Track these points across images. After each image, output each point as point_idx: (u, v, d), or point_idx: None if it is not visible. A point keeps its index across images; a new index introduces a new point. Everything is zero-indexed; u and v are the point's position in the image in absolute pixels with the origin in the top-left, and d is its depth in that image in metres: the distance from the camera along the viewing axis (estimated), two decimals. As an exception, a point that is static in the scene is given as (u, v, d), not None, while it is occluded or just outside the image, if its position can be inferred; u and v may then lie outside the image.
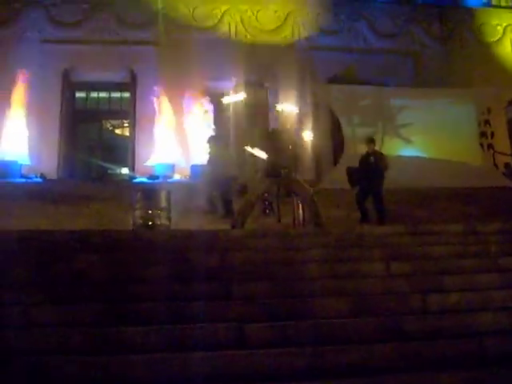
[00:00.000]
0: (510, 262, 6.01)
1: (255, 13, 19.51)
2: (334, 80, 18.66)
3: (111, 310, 4.33)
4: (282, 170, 8.25)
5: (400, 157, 15.27)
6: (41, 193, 11.81)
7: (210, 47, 18.21)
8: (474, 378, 3.63)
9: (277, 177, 8.30)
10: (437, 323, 4.38)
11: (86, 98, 19.86)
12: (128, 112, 18.72)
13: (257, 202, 8.48)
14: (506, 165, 18.29)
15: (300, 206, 8.84)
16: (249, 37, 19.15)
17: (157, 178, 15.53)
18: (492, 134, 19.47)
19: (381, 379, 3.56)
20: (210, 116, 17.12)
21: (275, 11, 19.60)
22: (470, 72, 19.55)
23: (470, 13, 21.72)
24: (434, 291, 5.04)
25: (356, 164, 10.48)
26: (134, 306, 4.42)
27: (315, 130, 18.16)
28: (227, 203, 10.79)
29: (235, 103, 16.82)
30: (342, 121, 17.09)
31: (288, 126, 8.99)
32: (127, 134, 19.59)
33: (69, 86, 18.17)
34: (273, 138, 8.73)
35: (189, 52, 17.99)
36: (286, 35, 19.59)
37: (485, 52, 20.93)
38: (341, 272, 5.43)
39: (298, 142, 8.91)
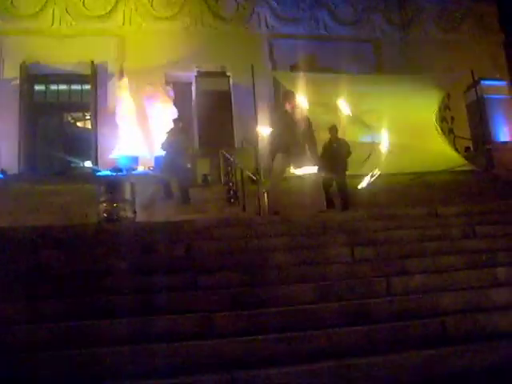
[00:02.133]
0: (470, 243, 6.16)
1: (217, 1, 19.42)
2: (295, 68, 18.68)
3: (76, 304, 4.30)
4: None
5: (362, 143, 15.39)
6: (1, 188, 11.59)
7: (171, 37, 18.08)
8: (437, 356, 3.72)
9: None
10: (401, 305, 4.47)
11: (46, 91, 19.48)
12: (89, 104, 18.45)
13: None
14: (467, 149, 18.63)
15: (265, 194, 8.86)
16: (210, 26, 19.05)
17: (120, 170, 15.34)
18: (452, 119, 19.81)
19: (348, 362, 3.62)
20: (172, 106, 16.98)
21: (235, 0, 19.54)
22: (430, 58, 19.81)
23: (429, 0, 21.99)
24: (397, 274, 5.14)
25: (319, 151, 10.53)
26: (99, 300, 4.39)
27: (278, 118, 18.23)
28: (184, 191, 10.87)
29: (197, 93, 16.73)
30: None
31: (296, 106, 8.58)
32: (89, 126, 19.31)
33: (27, 78, 17.78)
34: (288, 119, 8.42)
35: (149, 42, 17.82)
36: (248, 24, 19.54)
37: (444, 39, 21.23)
38: (306, 259, 5.48)
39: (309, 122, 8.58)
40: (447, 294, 4.72)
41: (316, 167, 8.14)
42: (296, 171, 8.26)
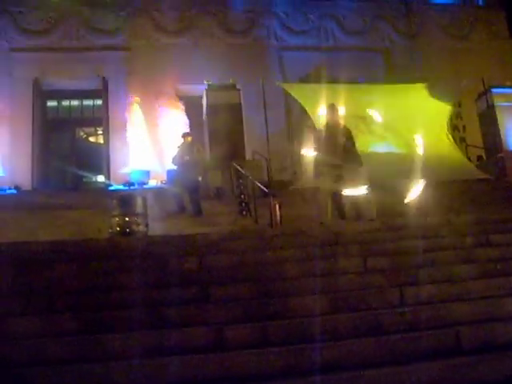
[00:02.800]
0: (484, 252, 6.11)
1: (226, 14, 19.58)
2: (305, 79, 18.74)
3: (89, 318, 4.32)
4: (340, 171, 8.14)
5: (374, 153, 15.36)
6: (15, 204, 11.68)
7: (181, 50, 18.22)
8: (450, 367, 3.69)
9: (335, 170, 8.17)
10: (414, 316, 4.44)
11: (58, 107, 19.69)
12: (101, 119, 18.60)
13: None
14: (479, 157, 18.54)
15: (277, 206, 8.85)
16: (219, 39, 19.19)
17: (133, 184, 15.45)
18: (464, 128, 19.76)
19: (361, 373, 3.60)
20: (184, 120, 17.08)
21: (244, 12, 19.69)
22: (440, 67, 19.81)
23: (437, 9, 22.02)
24: (410, 284, 5.11)
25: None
26: (112, 314, 4.41)
27: (289, 129, 18.29)
28: (196, 203, 10.91)
29: (208, 106, 16.81)
30: (315, 120, 17.15)
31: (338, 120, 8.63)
32: (101, 141, 19.45)
33: (40, 94, 17.98)
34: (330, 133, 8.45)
35: (159, 56, 17.98)
36: (257, 36, 19.66)
37: (453, 47, 21.22)
38: (319, 270, 5.46)
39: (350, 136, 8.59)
40: (461, 303, 4.69)
41: (365, 186, 8.16)
42: (348, 191, 8.25)
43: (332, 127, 8.40)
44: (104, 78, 18.09)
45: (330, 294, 4.82)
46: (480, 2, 22.87)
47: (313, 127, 8.64)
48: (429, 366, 3.71)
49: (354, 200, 8.10)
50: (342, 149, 8.24)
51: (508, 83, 19.46)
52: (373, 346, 3.97)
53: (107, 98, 18.09)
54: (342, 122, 8.63)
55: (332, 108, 8.64)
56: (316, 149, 8.60)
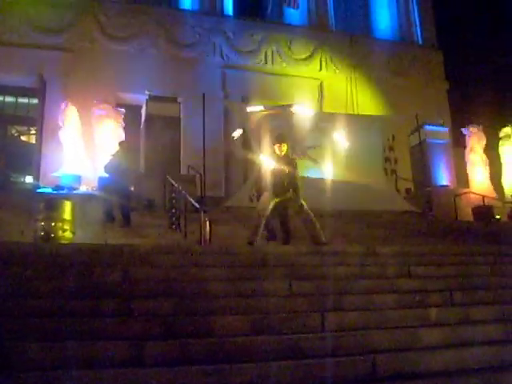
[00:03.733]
0: (405, 283, 6.29)
1: (174, 27, 19.55)
2: (246, 99, 18.93)
3: (7, 325, 4.14)
4: (288, 192, 8.39)
5: (307, 178, 15.60)
6: None
7: (125, 59, 18.04)
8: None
9: (281, 196, 8.38)
10: (335, 341, 4.50)
11: (-9, 102, 19.05)
12: (35, 119, 18.10)
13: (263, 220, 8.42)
14: (408, 190, 19.16)
15: (207, 223, 8.83)
16: (165, 51, 19.11)
17: (62, 188, 15.04)
18: (395, 160, 20.40)
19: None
20: (121, 128, 16.83)
21: (192, 27, 19.72)
22: (377, 100, 20.46)
23: (379, 43, 22.77)
24: (333, 310, 5.18)
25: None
26: (31, 322, 4.25)
27: (226, 147, 18.34)
28: (125, 213, 10.76)
29: (147, 117, 16.67)
30: (253, 139, 17.29)
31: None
32: (34, 141, 18.91)
33: (-28, 88, 17.36)
34: (279, 154, 8.70)
35: (102, 61, 17.72)
36: (202, 52, 19.72)
37: (391, 82, 21.95)
38: (244, 290, 5.46)
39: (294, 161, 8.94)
40: (380, 332, 4.79)
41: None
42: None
43: (279, 156, 8.63)
44: (42, 77, 17.64)
45: (252, 316, 4.82)
46: (420, 41, 23.80)
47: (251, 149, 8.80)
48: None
49: (305, 221, 8.29)
50: (288, 177, 8.47)
51: (440, 121, 20.33)
52: (292, 369, 3.99)
53: (44, 98, 17.64)
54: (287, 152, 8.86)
55: (281, 138, 8.86)
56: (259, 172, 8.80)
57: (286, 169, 8.54)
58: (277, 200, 8.41)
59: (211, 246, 7.78)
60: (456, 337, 4.89)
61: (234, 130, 17.40)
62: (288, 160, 8.76)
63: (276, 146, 8.76)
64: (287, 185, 8.48)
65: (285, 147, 8.77)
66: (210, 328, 4.53)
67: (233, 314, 4.84)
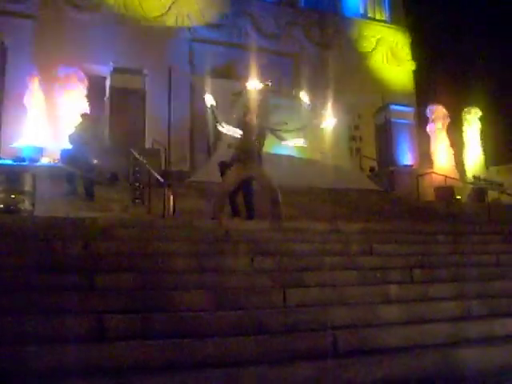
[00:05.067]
0: (367, 260, 6.36)
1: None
2: (213, 73, 18.70)
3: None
4: (252, 163, 8.35)
5: (273, 154, 15.60)
6: None
7: (90, 28, 17.59)
8: (325, 368, 3.80)
9: (246, 165, 8.33)
10: (296, 317, 4.53)
11: None
12: (-6, 88, 17.58)
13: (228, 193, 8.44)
14: (372, 169, 19.35)
15: (171, 197, 8.77)
16: (131, 22, 18.71)
17: (23, 160, 14.70)
18: (360, 139, 20.56)
19: (237, 371, 3.62)
20: (85, 99, 16.49)
21: (160, -1, 19.35)
22: (345, 78, 20.46)
23: (348, 22, 22.74)
24: (294, 286, 5.21)
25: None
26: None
27: (192, 122, 18.16)
28: (88, 186, 10.61)
29: (111, 89, 16.36)
30: (218, 115, 17.16)
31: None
32: (-7, 111, 18.40)
33: None
34: (246, 120, 8.69)
35: (67, 30, 17.25)
36: (170, 24, 19.37)
37: (359, 61, 22.01)
38: (206, 266, 5.45)
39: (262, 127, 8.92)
40: (341, 308, 4.85)
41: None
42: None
43: (250, 126, 8.59)
44: (3, 44, 17.11)
45: (214, 291, 4.81)
46: (387, 21, 23.84)
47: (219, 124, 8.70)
48: (305, 367, 3.79)
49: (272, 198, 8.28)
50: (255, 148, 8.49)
51: (405, 101, 20.50)
52: (253, 344, 4.00)
53: (4, 67, 17.12)
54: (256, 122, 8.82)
55: (249, 111, 8.86)
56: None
57: (256, 140, 8.51)
58: (242, 173, 8.38)
59: (175, 221, 7.72)
60: (415, 313, 4.98)
61: (199, 105, 17.22)
62: (259, 131, 8.73)
63: (247, 118, 8.71)
64: (255, 157, 8.46)
65: (254, 118, 8.73)
66: (171, 303, 4.50)
67: (195, 288, 4.83)
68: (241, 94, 10.35)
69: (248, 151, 8.43)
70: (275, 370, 3.73)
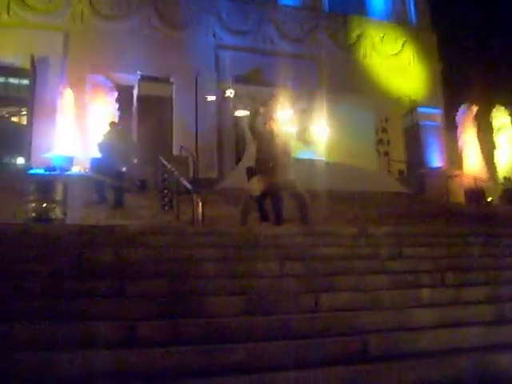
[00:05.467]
0: (397, 264, 6.31)
1: (166, 6, 19.30)
2: (239, 80, 18.80)
3: (-1, 306, 4.13)
4: (282, 172, 8.25)
5: (299, 159, 15.59)
6: None
7: (117, 37, 17.83)
8: (355, 373, 3.78)
9: (269, 175, 8.26)
10: (326, 322, 4.51)
11: (-19, 83, 18.86)
12: (26, 100, 17.93)
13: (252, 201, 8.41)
14: (400, 172, 19.20)
15: (200, 203, 8.81)
16: (157, 30, 18.91)
17: (54, 169, 14.97)
18: (388, 142, 20.41)
19: (268, 376, 3.62)
20: (114, 108, 16.72)
21: (185, 7, 19.49)
22: (372, 81, 20.36)
23: (373, 24, 22.62)
24: (325, 291, 5.19)
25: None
26: (24, 303, 4.23)
27: (219, 129, 18.26)
28: (118, 194, 10.73)
29: (139, 97, 16.55)
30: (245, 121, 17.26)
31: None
32: (24, 122, 18.76)
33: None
34: (265, 132, 8.58)
35: (95, 41, 17.52)
36: (195, 31, 19.52)
37: (385, 63, 21.86)
38: (236, 271, 5.46)
39: (286, 139, 8.81)
40: (372, 312, 4.81)
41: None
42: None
43: (269, 134, 8.55)
44: (33, 57, 17.45)
45: (245, 296, 4.82)
46: (413, 23, 23.66)
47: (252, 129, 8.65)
48: (337, 371, 3.78)
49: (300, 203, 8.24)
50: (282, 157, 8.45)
51: (432, 103, 20.31)
52: (284, 349, 4.00)
53: (35, 78, 17.46)
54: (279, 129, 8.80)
55: (270, 118, 8.84)
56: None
57: (281, 148, 8.49)
58: (265, 182, 8.36)
59: (203, 227, 7.76)
60: (447, 317, 4.91)
61: (226, 112, 17.35)
62: (281, 139, 8.70)
63: (268, 124, 8.68)
64: (281, 165, 8.42)
65: (275, 124, 8.70)
66: (201, 308, 4.53)
67: (225, 294, 4.85)
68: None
69: (268, 160, 8.38)
70: (306, 374, 3.72)
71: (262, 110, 9.11)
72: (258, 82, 18.34)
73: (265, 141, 8.52)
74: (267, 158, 8.36)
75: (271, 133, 8.60)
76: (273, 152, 8.40)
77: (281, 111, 14.77)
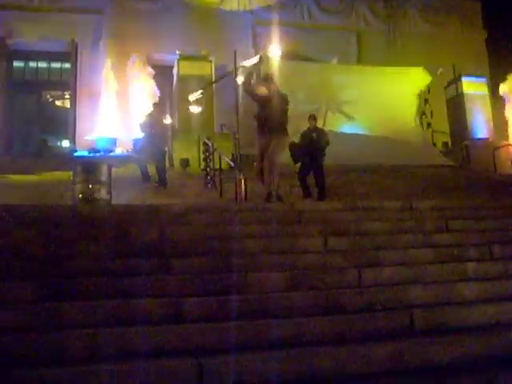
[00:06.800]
0: (442, 237, 6.23)
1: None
2: (280, 55, 18.63)
3: (49, 286, 4.25)
4: (270, 131, 8.39)
5: (342, 133, 15.45)
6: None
7: (154, 18, 17.89)
8: (404, 348, 3.77)
9: (265, 135, 8.41)
10: (371, 297, 4.51)
11: (25, 68, 19.21)
12: (69, 83, 18.23)
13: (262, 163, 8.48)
14: (444, 143, 18.82)
15: (243, 181, 8.86)
16: (194, 9, 18.87)
17: (98, 151, 15.25)
18: (431, 113, 20.00)
19: (313, 350, 3.65)
20: (154, 89, 16.86)
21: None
22: (413, 52, 19.92)
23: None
24: (369, 266, 5.18)
25: (298, 140, 10.56)
26: (73, 282, 4.35)
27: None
28: (161, 174, 10.86)
29: (179, 77, 16.61)
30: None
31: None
32: (68, 106, 19.09)
33: (5, 54, 17.50)
34: (267, 86, 8.61)
35: (133, 23, 17.63)
36: (232, 8, 19.42)
37: (427, 33, 21.34)
38: (280, 247, 5.49)
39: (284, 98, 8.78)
40: (417, 286, 4.78)
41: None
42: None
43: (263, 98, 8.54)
44: (74, 40, 17.69)
45: (289, 272, 4.85)
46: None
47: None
48: (382, 346, 3.77)
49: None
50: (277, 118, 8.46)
51: (478, 72, 19.73)
52: (329, 324, 4.02)
53: (76, 62, 17.73)
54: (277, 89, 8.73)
55: (267, 79, 8.78)
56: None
57: (278, 108, 8.44)
58: (262, 142, 8.37)
59: (247, 204, 7.81)
60: (495, 291, 4.84)
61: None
62: (278, 99, 8.63)
63: (263, 85, 8.62)
64: (274, 127, 8.42)
65: (272, 85, 8.62)
66: (246, 284, 4.58)
67: (269, 270, 4.89)
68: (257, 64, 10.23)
69: (265, 122, 8.40)
70: (351, 349, 3.74)
71: (255, 73, 9.11)
72: (296, 57, 18.15)
73: (261, 102, 8.51)
74: (264, 118, 8.37)
75: (268, 94, 8.54)
76: (269, 112, 8.39)
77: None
